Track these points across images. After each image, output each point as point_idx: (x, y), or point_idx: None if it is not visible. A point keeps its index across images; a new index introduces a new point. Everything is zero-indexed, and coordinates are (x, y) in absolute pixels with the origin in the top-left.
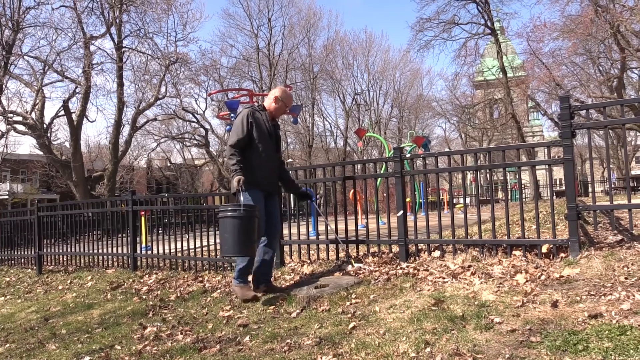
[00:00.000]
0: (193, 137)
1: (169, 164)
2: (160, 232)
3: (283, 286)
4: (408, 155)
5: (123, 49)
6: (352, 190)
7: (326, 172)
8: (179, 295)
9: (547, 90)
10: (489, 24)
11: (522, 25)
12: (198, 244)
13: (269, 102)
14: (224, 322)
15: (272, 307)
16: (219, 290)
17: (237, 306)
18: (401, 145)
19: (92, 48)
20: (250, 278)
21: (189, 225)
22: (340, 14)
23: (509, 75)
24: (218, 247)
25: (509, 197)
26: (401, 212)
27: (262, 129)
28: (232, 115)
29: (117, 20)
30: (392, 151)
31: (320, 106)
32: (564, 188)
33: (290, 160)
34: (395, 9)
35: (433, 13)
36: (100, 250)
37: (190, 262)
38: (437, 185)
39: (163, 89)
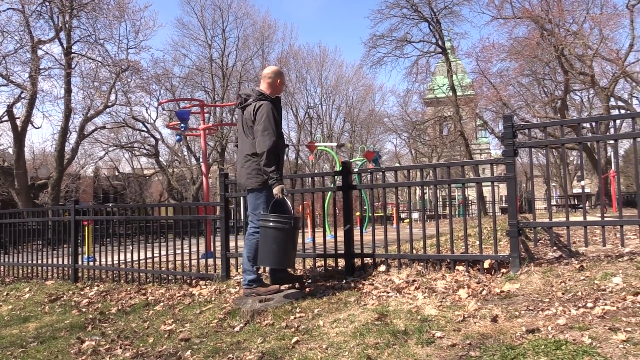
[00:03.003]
0: (143, 147)
1: (117, 174)
2: (106, 242)
3: (228, 300)
4: (356, 170)
5: (72, 55)
6: (301, 204)
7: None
8: (120, 308)
9: (495, 109)
10: (440, 43)
11: (471, 45)
12: (143, 255)
13: (265, 87)
14: (166, 336)
15: (215, 320)
16: (162, 304)
17: (180, 320)
18: (351, 160)
19: (39, 52)
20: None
21: (135, 236)
22: (295, 28)
23: (458, 93)
24: (164, 258)
25: (457, 213)
26: (348, 226)
27: (279, 123)
28: (182, 125)
29: (67, 25)
30: (341, 165)
31: None
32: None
33: None
34: (349, 25)
35: (386, 30)
36: (39, 261)
37: (134, 274)
38: (384, 199)
39: (113, 97)
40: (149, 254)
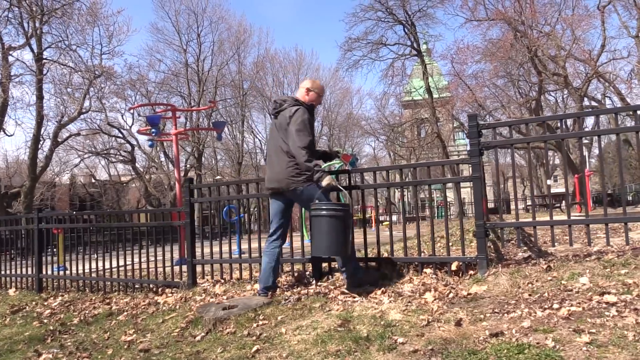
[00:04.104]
0: (119, 153)
1: (93, 181)
2: (77, 251)
3: (192, 308)
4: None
5: (43, 61)
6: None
7: (250, 189)
8: (82, 318)
9: (471, 111)
10: (415, 45)
11: (446, 47)
12: (112, 264)
13: (302, 95)
14: (125, 347)
15: (177, 330)
16: (125, 313)
17: (142, 330)
18: (329, 163)
19: (10, 59)
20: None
21: (102, 245)
22: (271, 32)
23: (435, 95)
24: (136, 266)
25: (437, 215)
26: None
27: (313, 128)
28: (153, 130)
29: (37, 32)
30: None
31: (250, 123)
32: (492, 205)
33: (219, 177)
34: (326, 29)
35: (361, 33)
36: (2, 272)
37: (99, 283)
38: (363, 202)
39: (87, 103)
40: (119, 262)
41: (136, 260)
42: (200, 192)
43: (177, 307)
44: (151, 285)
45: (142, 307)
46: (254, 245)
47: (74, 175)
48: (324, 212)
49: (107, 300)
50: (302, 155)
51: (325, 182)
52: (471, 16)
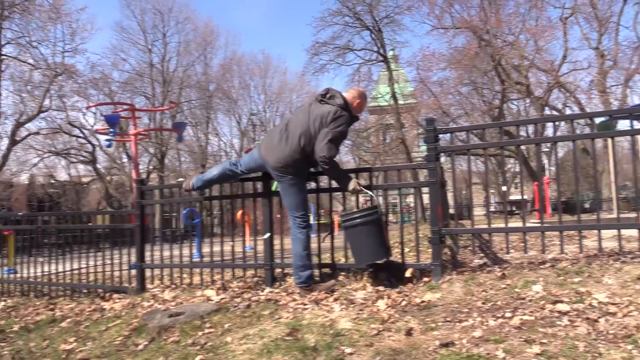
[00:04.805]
0: (79, 153)
1: (52, 181)
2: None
3: (139, 314)
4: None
5: (2, 57)
6: (240, 211)
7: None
8: (23, 325)
9: (435, 118)
10: (381, 51)
11: (412, 54)
12: (66, 267)
13: (351, 98)
14: (63, 356)
15: (120, 338)
16: (68, 320)
17: (83, 338)
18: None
19: None
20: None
21: (50, 248)
22: (238, 35)
23: (400, 102)
24: (82, 270)
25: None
26: (268, 234)
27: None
28: (110, 130)
29: None
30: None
31: (215, 125)
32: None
33: (182, 179)
34: (293, 33)
35: (328, 38)
36: None
37: (44, 288)
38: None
39: (47, 102)
40: (68, 266)
41: (89, 263)
42: (161, 194)
43: (123, 313)
44: (99, 291)
45: (87, 313)
46: (216, 249)
47: (33, 175)
48: (358, 220)
49: (52, 306)
50: (326, 165)
51: (351, 185)
52: (437, 24)
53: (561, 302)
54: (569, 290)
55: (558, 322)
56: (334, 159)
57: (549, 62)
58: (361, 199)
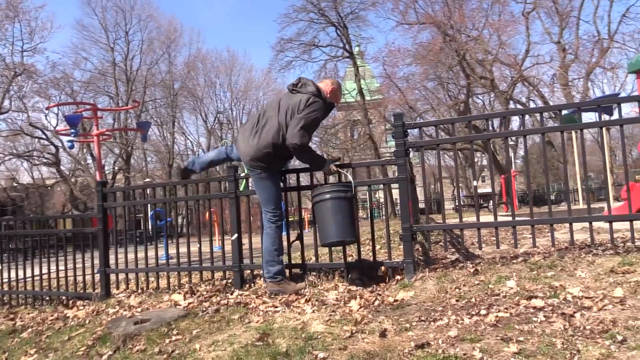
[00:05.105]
0: (42, 155)
1: (15, 184)
2: None
3: (104, 322)
4: (243, 175)
5: None
6: (207, 212)
7: (166, 192)
8: None
9: (404, 113)
10: (347, 47)
11: (378, 49)
12: (28, 273)
13: (325, 86)
14: None
15: (83, 348)
16: (30, 330)
17: (45, 349)
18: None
19: None
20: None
21: (8, 253)
22: (203, 32)
23: (367, 97)
24: (45, 276)
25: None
26: (235, 235)
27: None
28: (72, 130)
29: None
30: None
31: (181, 124)
32: (421, 205)
33: (148, 179)
34: (258, 30)
35: (293, 34)
36: None
37: (5, 297)
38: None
39: (7, 103)
40: (31, 272)
41: (51, 269)
42: (124, 196)
43: (87, 321)
44: (62, 298)
45: (50, 322)
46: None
47: None
48: (327, 195)
49: (12, 316)
50: (298, 152)
51: (326, 167)
52: (402, 19)
53: (536, 297)
54: (543, 285)
55: (534, 319)
56: (308, 145)
57: (512, 57)
58: None
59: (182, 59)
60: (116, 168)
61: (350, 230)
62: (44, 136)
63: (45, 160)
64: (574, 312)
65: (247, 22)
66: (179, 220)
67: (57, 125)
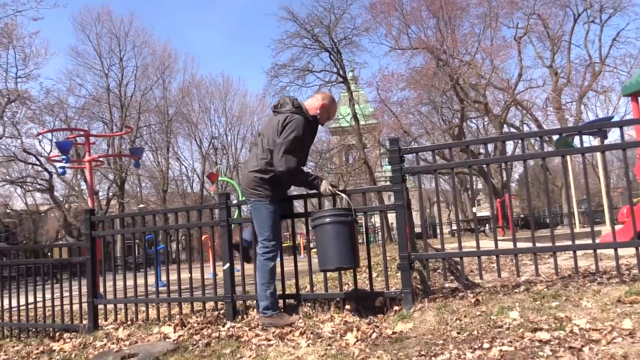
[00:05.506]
0: (36, 182)
1: (8, 211)
2: None
3: (90, 357)
4: (235, 202)
5: None
6: (204, 236)
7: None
8: None
9: (399, 137)
10: (341, 72)
11: (372, 74)
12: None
13: (312, 108)
14: None
15: None
16: None
17: None
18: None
19: None
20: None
21: None
22: (197, 58)
23: (361, 122)
24: (36, 306)
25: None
26: (227, 265)
27: (307, 141)
28: (63, 157)
29: None
30: (219, 197)
31: (176, 150)
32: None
33: (142, 205)
34: (252, 55)
35: (288, 60)
36: None
37: None
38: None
39: (0, 129)
40: (16, 302)
41: (37, 299)
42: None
43: (73, 355)
44: (48, 330)
45: (35, 356)
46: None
47: None
48: (327, 219)
49: None
50: (292, 174)
51: (323, 187)
52: (395, 45)
53: (541, 329)
54: (548, 316)
55: (540, 353)
56: (296, 169)
57: (505, 81)
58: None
59: (177, 85)
60: (110, 194)
61: (350, 256)
62: (37, 162)
63: (38, 187)
64: (582, 346)
65: (241, 47)
66: (173, 246)
67: (50, 151)
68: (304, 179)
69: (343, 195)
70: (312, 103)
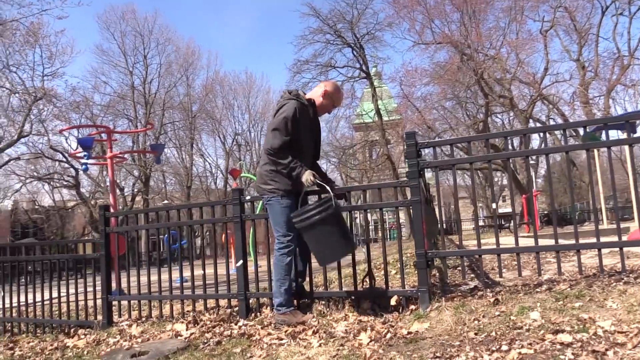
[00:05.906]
0: (62, 178)
1: (36, 207)
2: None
3: (102, 353)
4: (248, 198)
5: None
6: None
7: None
8: None
9: (421, 133)
10: (364, 68)
11: (395, 70)
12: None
13: (315, 96)
14: None
15: None
16: None
17: None
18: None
19: None
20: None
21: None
22: (220, 55)
23: (385, 118)
24: (49, 303)
25: (388, 237)
26: (241, 262)
27: (305, 128)
28: (85, 154)
29: None
30: (232, 193)
31: (200, 146)
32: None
33: (167, 201)
34: (276, 52)
35: (310, 56)
36: None
37: (5, 324)
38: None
39: (27, 126)
40: (41, 297)
41: (52, 295)
42: (147, 218)
43: (85, 352)
44: (63, 326)
45: (48, 352)
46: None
47: (16, 201)
48: (309, 220)
49: (12, 345)
50: (274, 157)
51: (304, 176)
52: (419, 39)
53: (562, 331)
54: (570, 317)
55: (561, 356)
56: (280, 148)
57: (531, 75)
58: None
59: (200, 82)
60: (135, 190)
61: (342, 244)
62: (64, 159)
63: (65, 183)
64: (606, 350)
65: (264, 43)
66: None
67: (76, 147)
68: (288, 164)
69: (326, 186)
70: (316, 91)
